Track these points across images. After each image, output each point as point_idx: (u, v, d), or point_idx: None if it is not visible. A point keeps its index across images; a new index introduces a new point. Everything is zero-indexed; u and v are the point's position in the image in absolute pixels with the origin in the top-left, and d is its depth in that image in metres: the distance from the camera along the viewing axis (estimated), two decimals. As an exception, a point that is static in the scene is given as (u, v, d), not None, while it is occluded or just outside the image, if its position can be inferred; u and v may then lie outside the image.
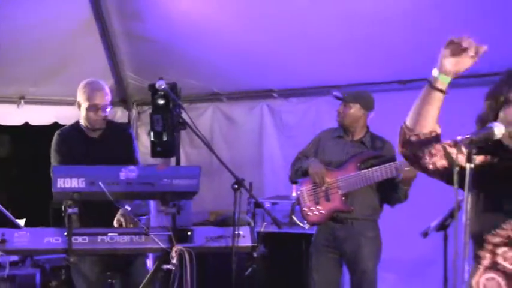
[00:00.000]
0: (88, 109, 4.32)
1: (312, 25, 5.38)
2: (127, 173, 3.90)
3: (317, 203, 4.66)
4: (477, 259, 2.43)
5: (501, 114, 2.38)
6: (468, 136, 2.19)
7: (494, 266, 2.39)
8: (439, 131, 2.46)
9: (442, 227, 4.38)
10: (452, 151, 2.42)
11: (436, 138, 2.46)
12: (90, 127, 4.40)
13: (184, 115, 4.37)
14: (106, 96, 4.38)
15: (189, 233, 4.51)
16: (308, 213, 4.69)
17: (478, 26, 4.65)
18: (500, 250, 2.37)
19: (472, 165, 2.17)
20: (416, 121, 2.44)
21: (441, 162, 2.46)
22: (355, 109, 4.64)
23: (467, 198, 2.19)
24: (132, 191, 3.95)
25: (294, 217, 4.79)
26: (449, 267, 4.38)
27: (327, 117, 5.52)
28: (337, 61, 5.76)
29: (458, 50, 2.31)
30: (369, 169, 4.50)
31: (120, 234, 4.00)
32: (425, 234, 4.35)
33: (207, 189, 6.42)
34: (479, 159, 2.34)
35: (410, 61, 5.57)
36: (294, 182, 4.99)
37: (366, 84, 5.83)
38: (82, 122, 4.41)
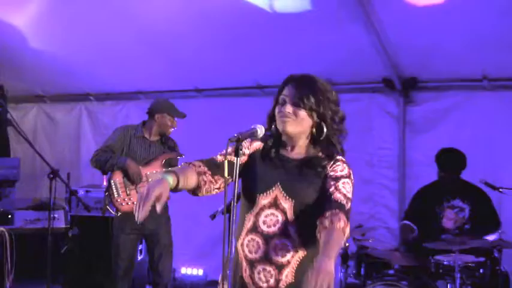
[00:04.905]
0: None
1: (117, 38, 5.53)
2: (-48, 164, 4.06)
3: (128, 194, 4.88)
4: (243, 223, 2.51)
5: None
6: (236, 135, 2.33)
7: (254, 229, 2.48)
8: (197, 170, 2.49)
9: (228, 210, 4.77)
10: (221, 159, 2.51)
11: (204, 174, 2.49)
12: None
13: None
14: None
15: (9, 216, 4.71)
16: (122, 204, 4.87)
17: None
18: (264, 213, 2.47)
19: (240, 158, 2.31)
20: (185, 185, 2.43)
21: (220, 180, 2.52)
22: (164, 118, 4.99)
23: (236, 184, 2.33)
24: (-43, 180, 4.14)
25: (108, 207, 4.88)
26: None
27: (135, 117, 5.87)
28: (142, 70, 6.06)
29: None
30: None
31: None
32: (212, 217, 4.41)
33: (31, 179, 6.66)
34: (254, 147, 2.57)
35: (205, 72, 5.99)
36: (104, 172, 5.06)
37: (170, 91, 6.30)
38: None
